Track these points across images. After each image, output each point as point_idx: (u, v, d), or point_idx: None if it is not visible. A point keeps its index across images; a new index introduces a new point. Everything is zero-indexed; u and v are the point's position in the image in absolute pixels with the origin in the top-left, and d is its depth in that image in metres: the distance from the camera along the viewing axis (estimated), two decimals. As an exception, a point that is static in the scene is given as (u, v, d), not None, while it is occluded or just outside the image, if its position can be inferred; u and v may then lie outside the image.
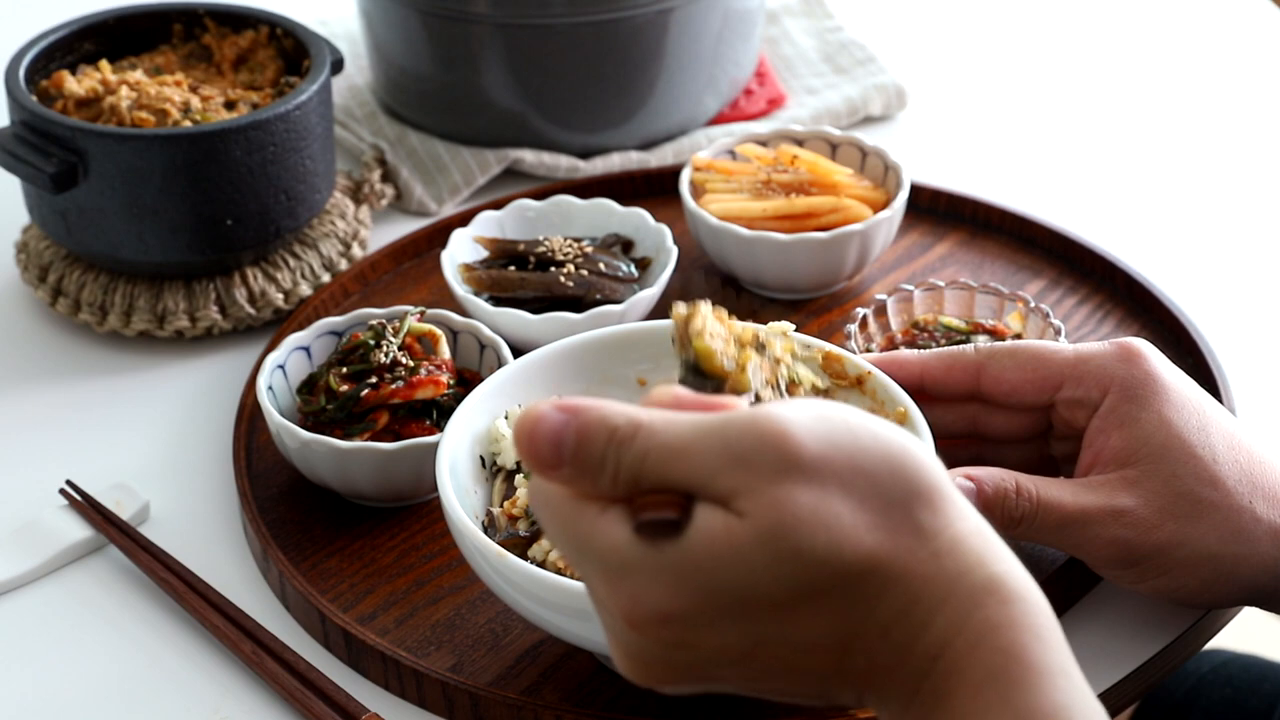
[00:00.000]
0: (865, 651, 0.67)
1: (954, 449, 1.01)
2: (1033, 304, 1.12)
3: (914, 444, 0.68)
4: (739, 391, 0.90)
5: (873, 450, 0.67)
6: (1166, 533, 0.90)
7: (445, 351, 1.10)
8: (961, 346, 0.98)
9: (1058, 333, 1.10)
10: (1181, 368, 0.97)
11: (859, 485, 0.66)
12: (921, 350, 1.09)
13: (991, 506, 0.91)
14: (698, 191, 1.26)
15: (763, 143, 1.29)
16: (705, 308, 0.90)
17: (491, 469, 1.00)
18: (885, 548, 0.66)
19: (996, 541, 0.68)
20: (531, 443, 0.68)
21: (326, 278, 1.27)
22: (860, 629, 0.67)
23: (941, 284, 1.15)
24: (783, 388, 0.93)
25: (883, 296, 1.15)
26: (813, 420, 0.67)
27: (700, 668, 0.68)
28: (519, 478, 0.99)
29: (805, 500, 0.65)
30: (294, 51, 1.29)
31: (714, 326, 0.90)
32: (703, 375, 0.89)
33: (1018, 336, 1.12)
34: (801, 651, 0.67)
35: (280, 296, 1.24)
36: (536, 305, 1.17)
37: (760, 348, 0.92)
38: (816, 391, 0.98)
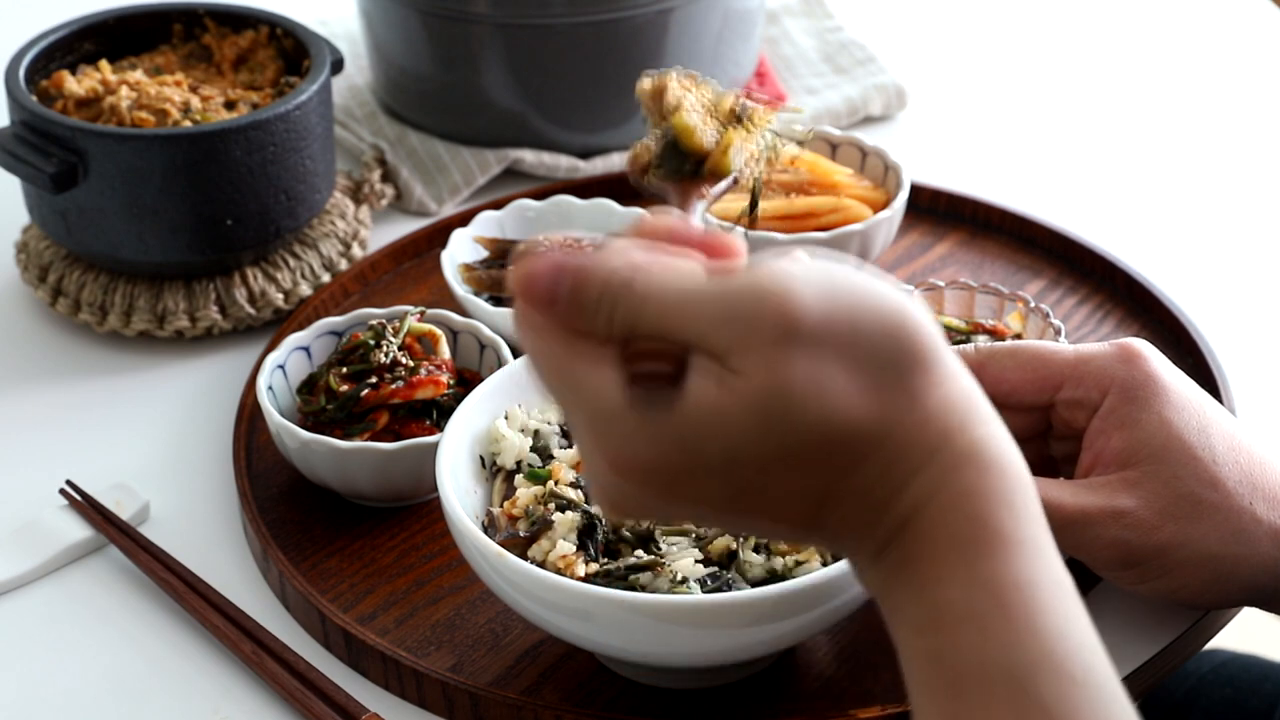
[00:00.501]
0: (841, 509, 0.67)
1: None
2: (1033, 304, 1.12)
3: (913, 306, 0.68)
4: (720, 174, 0.85)
5: (873, 313, 0.67)
6: (1167, 534, 0.90)
7: (445, 351, 1.10)
8: (961, 347, 0.98)
9: (1058, 333, 1.10)
10: (1181, 368, 0.97)
11: (856, 350, 0.66)
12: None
13: None
14: (698, 191, 1.26)
15: (763, 143, 1.29)
16: (676, 76, 0.85)
17: (491, 469, 1.00)
18: (874, 414, 0.66)
19: (984, 404, 0.69)
20: (528, 277, 0.67)
21: (326, 278, 1.27)
22: (839, 489, 0.67)
23: (941, 284, 1.15)
24: (761, 165, 0.88)
25: (883, 296, 1.15)
26: (817, 283, 0.66)
27: (676, 510, 0.69)
28: (519, 477, 0.99)
29: (801, 368, 0.65)
30: (294, 51, 1.29)
31: (687, 98, 0.85)
32: (681, 154, 0.84)
33: (1018, 336, 1.12)
34: (778, 503, 0.68)
35: (280, 296, 1.24)
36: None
37: (738, 120, 0.86)
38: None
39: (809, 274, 0.67)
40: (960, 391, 0.68)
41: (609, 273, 0.67)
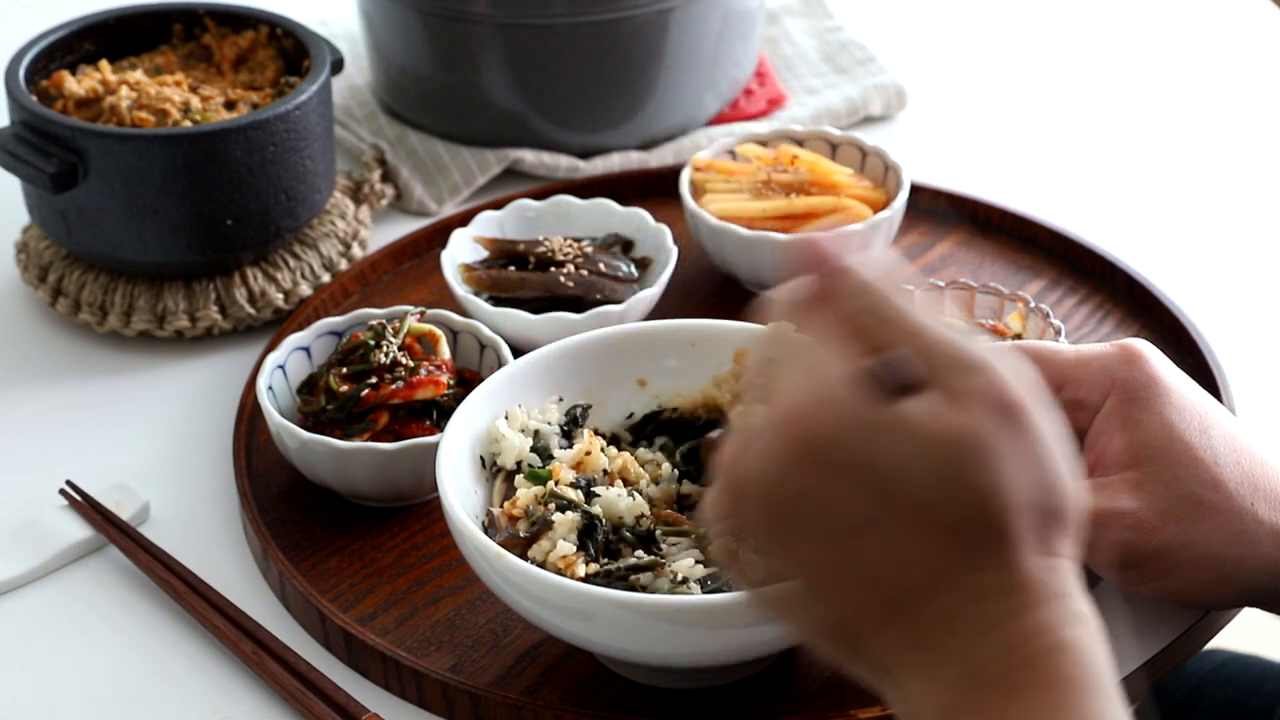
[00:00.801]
0: (949, 601, 0.67)
1: None
2: (1033, 304, 1.12)
3: (1074, 467, 0.70)
4: None
5: (1058, 447, 0.69)
6: (1168, 535, 0.90)
7: (445, 351, 1.10)
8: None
9: (1058, 333, 1.10)
10: (1181, 368, 0.97)
11: (1038, 467, 0.68)
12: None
13: None
14: (698, 191, 1.26)
15: (763, 143, 1.29)
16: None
17: (492, 469, 1.00)
18: (1022, 531, 0.67)
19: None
20: (814, 242, 0.70)
21: (326, 278, 1.27)
22: (959, 580, 0.67)
23: (941, 284, 1.15)
24: None
25: (883, 296, 1.15)
26: (1035, 391, 0.69)
27: (798, 519, 0.68)
28: (519, 477, 0.99)
29: (1006, 443, 0.67)
30: (294, 51, 1.29)
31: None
32: None
33: (1018, 336, 1.12)
34: (892, 557, 0.67)
35: (280, 296, 1.24)
36: (536, 305, 1.17)
37: None
38: None
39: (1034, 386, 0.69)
40: (1077, 569, 0.70)
41: (877, 278, 0.69)
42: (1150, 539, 0.90)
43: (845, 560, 0.68)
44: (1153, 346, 0.95)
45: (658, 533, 0.96)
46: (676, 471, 1.01)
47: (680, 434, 1.04)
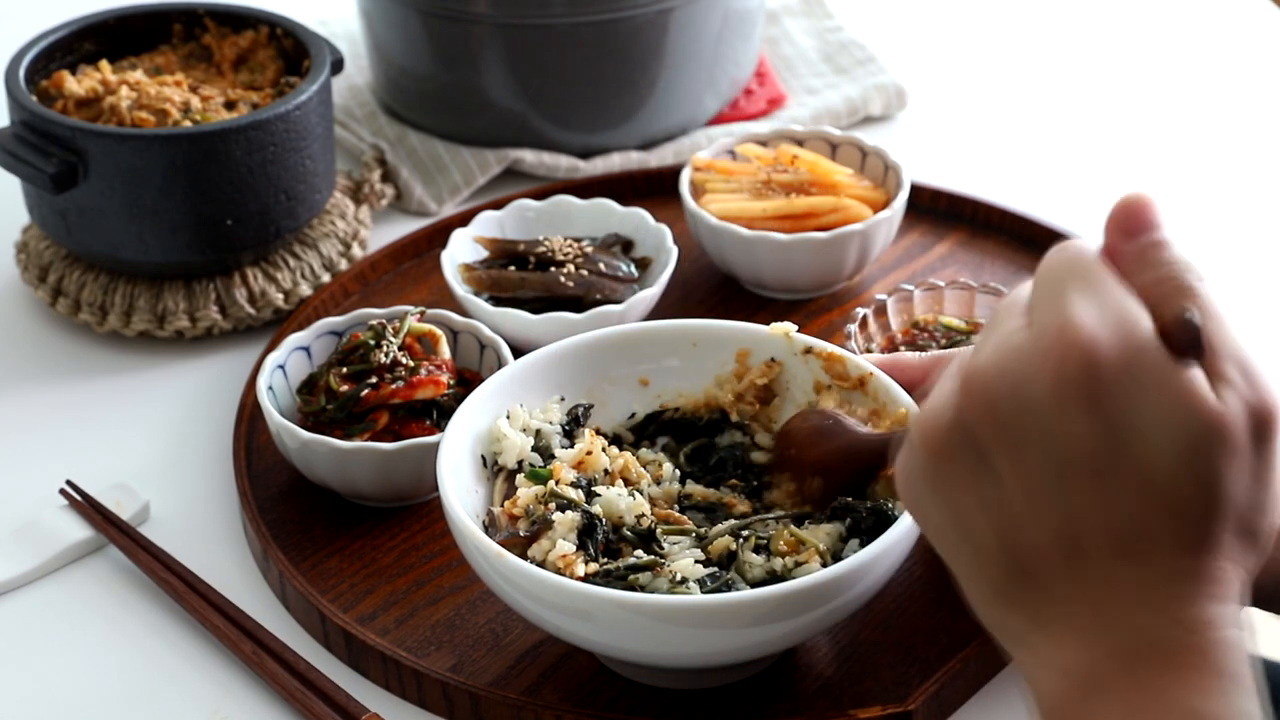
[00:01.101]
0: (1139, 572, 0.68)
1: None
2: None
3: None
4: None
5: (1277, 479, 0.70)
6: None
7: (445, 351, 1.10)
8: (964, 348, 0.98)
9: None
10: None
11: (1262, 485, 0.69)
12: (922, 352, 1.09)
13: None
14: (698, 191, 1.26)
15: (763, 143, 1.29)
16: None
17: (492, 469, 1.00)
18: (1227, 531, 0.68)
19: None
20: (1138, 202, 0.70)
21: (326, 278, 1.27)
22: (1155, 554, 0.67)
23: (941, 284, 1.15)
24: None
25: (883, 296, 1.15)
26: None
27: (1040, 433, 0.68)
28: (520, 477, 0.99)
29: (1248, 452, 0.67)
30: (294, 51, 1.29)
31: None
32: None
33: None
34: (1106, 513, 0.67)
35: (280, 296, 1.24)
36: (536, 305, 1.17)
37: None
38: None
39: None
40: (1247, 589, 0.70)
41: (1186, 257, 0.70)
42: None
43: (1062, 490, 0.68)
44: None
45: (658, 531, 0.96)
46: (678, 472, 1.01)
47: (682, 434, 1.04)
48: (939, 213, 1.32)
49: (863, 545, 0.93)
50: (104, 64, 1.27)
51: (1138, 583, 0.68)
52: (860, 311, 1.14)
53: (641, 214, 1.24)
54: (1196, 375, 0.67)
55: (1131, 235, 0.70)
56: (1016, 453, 0.68)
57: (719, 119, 1.44)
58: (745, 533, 0.95)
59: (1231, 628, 0.68)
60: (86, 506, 1.08)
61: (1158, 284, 0.69)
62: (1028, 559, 0.69)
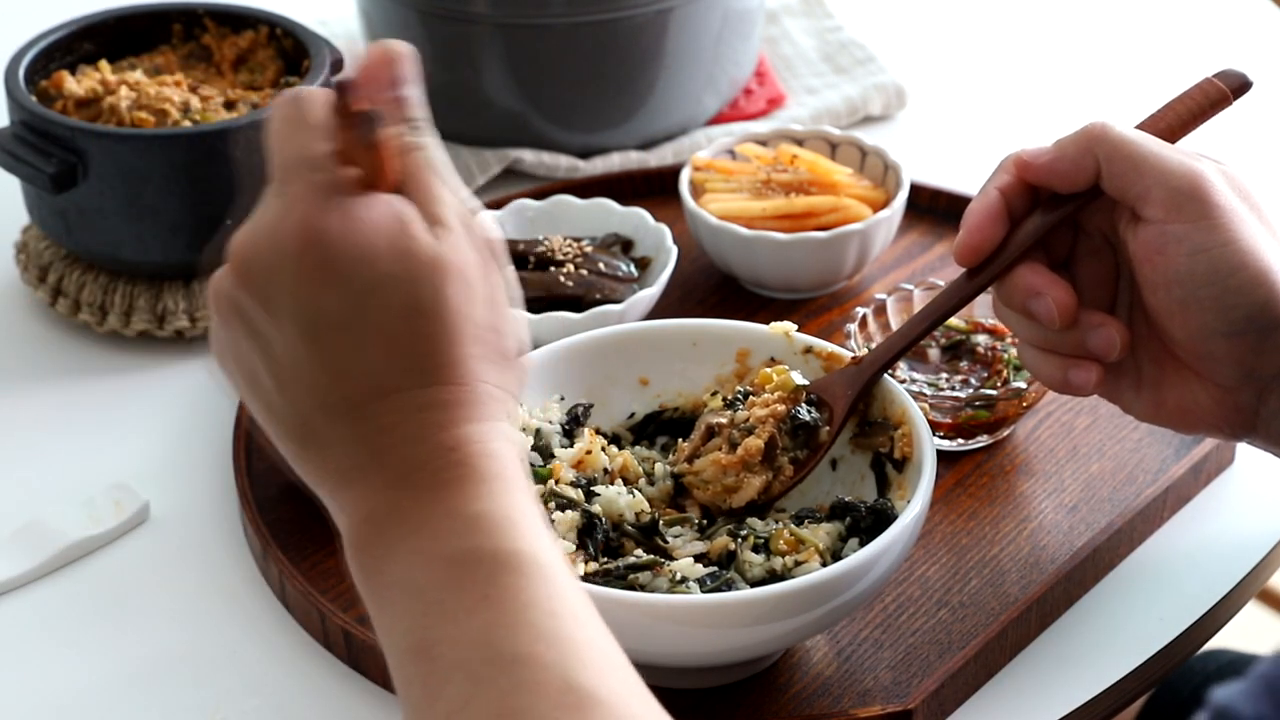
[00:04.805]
0: (399, 407, 0.74)
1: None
2: (1033, 303, 1.12)
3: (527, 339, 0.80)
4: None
5: (515, 315, 0.78)
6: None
7: (445, 351, 1.10)
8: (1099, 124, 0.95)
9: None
10: (1182, 367, 0.97)
11: (499, 316, 0.77)
12: (929, 348, 1.10)
13: None
14: (697, 191, 1.26)
15: (762, 142, 1.29)
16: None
17: (491, 469, 1.00)
18: (477, 359, 0.75)
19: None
20: (388, 60, 0.77)
21: (326, 278, 1.26)
22: (407, 390, 0.74)
23: (941, 284, 1.15)
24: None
25: (883, 296, 1.15)
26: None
27: (290, 304, 0.74)
28: (519, 477, 0.98)
29: (474, 275, 0.75)
30: (294, 51, 1.29)
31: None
32: None
33: (1018, 336, 1.12)
34: (361, 363, 0.74)
35: (280, 296, 1.24)
36: (536, 305, 1.17)
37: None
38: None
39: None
40: (515, 414, 0.79)
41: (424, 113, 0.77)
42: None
43: (320, 350, 0.74)
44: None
45: (660, 523, 0.96)
46: (671, 469, 1.01)
47: (682, 433, 1.04)
48: (939, 213, 1.32)
49: (862, 545, 0.93)
50: (104, 64, 1.27)
51: (401, 420, 0.74)
52: (860, 311, 1.14)
53: (641, 214, 1.24)
54: (413, 227, 0.74)
55: (365, 93, 0.76)
56: (276, 320, 0.75)
57: (719, 119, 1.44)
58: (744, 532, 0.95)
59: (495, 441, 0.75)
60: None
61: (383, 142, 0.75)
62: (309, 417, 0.75)
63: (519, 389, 0.78)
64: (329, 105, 0.76)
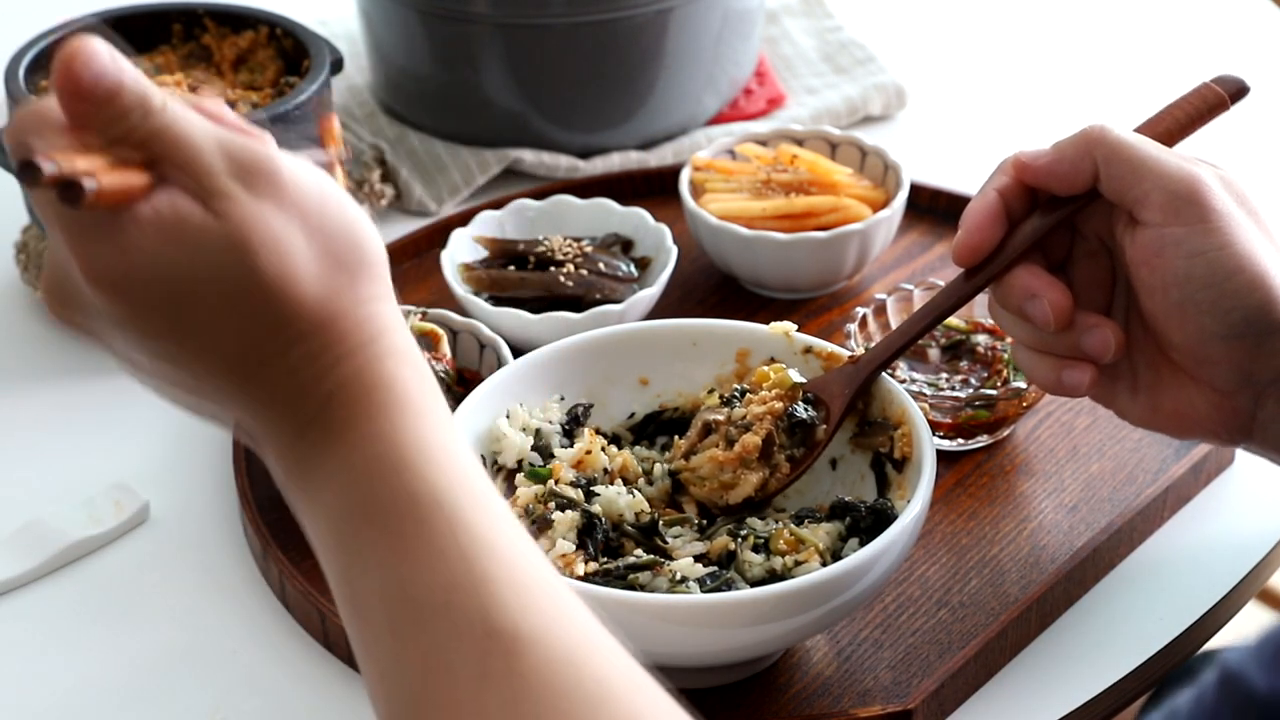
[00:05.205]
0: (269, 384, 0.72)
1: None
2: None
3: (369, 223, 0.75)
4: None
5: (339, 212, 0.73)
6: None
7: (446, 351, 1.10)
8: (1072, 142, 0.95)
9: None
10: (1182, 367, 0.97)
11: (322, 235, 0.72)
12: (927, 347, 1.10)
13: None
14: (697, 191, 1.26)
15: (762, 142, 1.29)
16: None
17: (492, 468, 1.00)
18: (322, 299, 0.71)
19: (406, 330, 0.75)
20: (78, 62, 0.73)
21: (326, 278, 1.26)
22: (270, 362, 0.71)
23: (941, 284, 1.15)
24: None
25: (883, 296, 1.15)
26: (300, 166, 0.73)
27: (131, 342, 0.72)
28: (520, 476, 0.99)
29: (276, 224, 0.70)
30: (294, 51, 1.29)
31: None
32: None
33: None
34: (216, 337, 0.71)
35: (280, 296, 1.24)
36: (536, 305, 1.17)
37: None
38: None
39: (297, 160, 0.73)
40: (396, 309, 0.75)
41: (148, 93, 0.71)
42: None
43: (176, 368, 0.72)
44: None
45: (660, 523, 0.96)
46: (668, 469, 1.01)
47: (682, 433, 1.04)
48: (939, 212, 1.32)
49: (862, 544, 0.93)
50: (104, 64, 1.27)
51: (276, 388, 0.72)
52: (860, 311, 1.14)
53: (641, 214, 1.24)
54: (189, 223, 0.69)
55: (89, 94, 0.71)
56: (121, 350, 0.73)
57: (719, 119, 1.44)
58: (744, 532, 0.95)
59: (379, 367, 0.72)
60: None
61: (126, 135, 0.70)
62: (198, 407, 0.74)
63: (384, 278, 0.75)
64: (59, 124, 0.72)
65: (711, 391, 1.02)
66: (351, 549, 0.70)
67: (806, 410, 0.98)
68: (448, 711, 0.67)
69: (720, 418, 0.99)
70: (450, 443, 0.72)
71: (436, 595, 0.68)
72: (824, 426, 0.98)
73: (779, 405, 0.98)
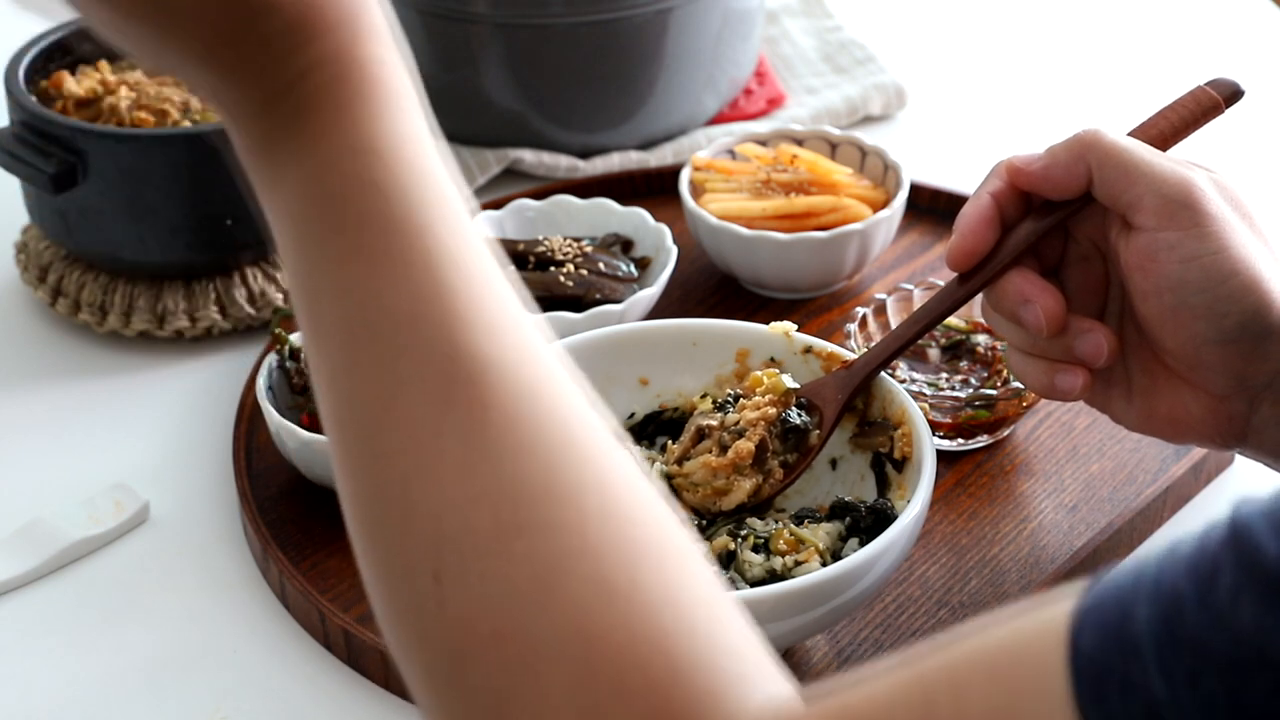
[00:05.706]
0: (238, 51, 0.68)
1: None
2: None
3: None
4: None
5: None
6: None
7: (445, 351, 1.10)
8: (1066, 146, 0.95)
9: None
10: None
11: None
12: (927, 346, 1.10)
13: None
14: (697, 191, 1.26)
15: (762, 142, 1.29)
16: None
17: (491, 469, 1.00)
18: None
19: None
20: None
21: (326, 278, 1.26)
22: (242, 31, 0.68)
23: (941, 283, 1.15)
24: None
25: (883, 296, 1.15)
26: None
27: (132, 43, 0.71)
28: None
29: None
30: (294, 51, 1.29)
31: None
32: None
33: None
34: (180, 25, 0.70)
35: (280, 296, 1.24)
36: (536, 305, 1.17)
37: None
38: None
39: None
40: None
41: None
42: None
43: (148, 25, 0.73)
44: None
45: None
46: (666, 469, 1.00)
47: (682, 433, 1.04)
48: (939, 212, 1.32)
49: (862, 544, 0.93)
50: (104, 64, 1.27)
51: (262, 47, 0.68)
52: (860, 311, 1.14)
53: (641, 214, 1.24)
54: None
55: None
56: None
57: (719, 119, 1.44)
58: (744, 532, 0.95)
59: (359, 48, 0.69)
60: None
61: None
62: (172, 68, 0.72)
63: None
64: None
65: (704, 396, 1.02)
66: (312, 235, 0.67)
67: (800, 415, 0.98)
68: (404, 431, 0.64)
69: (713, 423, 0.99)
70: (421, 140, 0.68)
71: (401, 304, 0.64)
72: (817, 431, 0.98)
73: (772, 410, 0.98)
